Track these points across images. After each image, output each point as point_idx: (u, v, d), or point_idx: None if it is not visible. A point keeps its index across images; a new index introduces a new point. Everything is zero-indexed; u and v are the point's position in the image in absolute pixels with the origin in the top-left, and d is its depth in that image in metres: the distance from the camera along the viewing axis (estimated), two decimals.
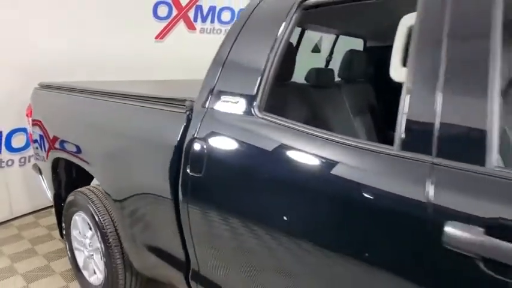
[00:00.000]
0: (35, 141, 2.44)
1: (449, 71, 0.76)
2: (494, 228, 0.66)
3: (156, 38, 4.07)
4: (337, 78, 2.12)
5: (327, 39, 2.95)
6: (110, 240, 1.82)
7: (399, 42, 0.88)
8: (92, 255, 2.04)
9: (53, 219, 2.57)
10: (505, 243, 0.64)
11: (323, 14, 1.40)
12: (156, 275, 1.69)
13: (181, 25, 4.24)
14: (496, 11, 0.73)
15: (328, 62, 2.40)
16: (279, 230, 1.02)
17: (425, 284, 0.74)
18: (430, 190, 0.73)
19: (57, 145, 2.11)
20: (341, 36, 2.58)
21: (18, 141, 3.17)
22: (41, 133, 2.29)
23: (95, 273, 2.06)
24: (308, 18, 1.61)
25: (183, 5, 4.21)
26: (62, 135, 2.08)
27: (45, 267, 2.46)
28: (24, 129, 3.08)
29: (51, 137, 2.19)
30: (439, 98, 0.76)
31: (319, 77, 1.78)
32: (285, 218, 0.99)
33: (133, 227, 1.64)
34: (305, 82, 1.86)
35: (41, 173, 2.53)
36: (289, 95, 1.59)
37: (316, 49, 2.39)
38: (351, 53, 1.97)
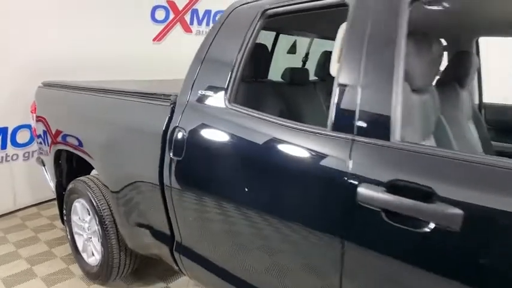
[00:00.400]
0: (39, 136, 2.65)
1: (365, 69, 0.97)
2: (393, 187, 0.86)
3: (154, 40, 4.30)
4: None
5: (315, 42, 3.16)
6: (107, 222, 2.03)
7: (337, 45, 1.08)
8: (90, 238, 2.24)
9: (54, 210, 2.76)
10: (401, 197, 0.85)
11: (288, 20, 1.61)
12: (146, 251, 1.89)
13: (178, 28, 4.47)
14: (402, 23, 0.94)
15: (304, 62, 2.61)
16: (245, 203, 1.23)
17: (347, 230, 0.94)
18: (351, 160, 0.94)
19: (59, 138, 2.32)
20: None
21: (22, 137, 3.38)
22: (44, 128, 2.50)
23: (93, 255, 2.26)
24: (280, 24, 1.82)
25: (180, 8, 4.44)
26: (63, 129, 2.29)
27: (47, 253, 2.66)
28: (28, 126, 3.29)
29: (53, 131, 2.40)
30: (358, 91, 0.97)
31: (294, 75, 1.99)
32: (246, 190, 1.19)
33: (126, 209, 1.84)
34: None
35: (43, 165, 2.73)
36: (264, 91, 1.80)
37: (292, 50, 2.59)
38: (325, 54, 2.18)
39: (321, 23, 1.78)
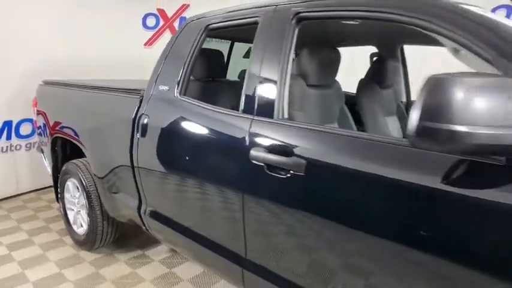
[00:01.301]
0: (39, 127, 3.08)
1: (262, 70, 1.39)
2: (271, 149, 1.27)
3: (145, 44, 4.75)
4: None
5: None
6: (92, 196, 2.45)
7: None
8: (79, 211, 2.66)
9: (52, 195, 3.16)
10: (275, 155, 1.25)
11: (231, 32, 2.02)
12: (122, 217, 2.29)
13: (167, 34, 4.89)
14: (289, 37, 1.35)
15: None
16: (186, 169, 1.64)
17: (244, 181, 1.36)
18: (249, 132, 1.35)
19: (55, 128, 2.75)
20: None
21: (25, 129, 3.82)
22: (44, 120, 2.93)
23: (81, 226, 2.68)
24: (231, 34, 2.24)
25: (169, 16, 4.88)
26: (59, 120, 2.71)
27: (45, 227, 3.08)
28: (30, 120, 3.73)
29: (51, 123, 2.83)
30: (257, 85, 1.39)
31: None
32: (187, 158, 1.61)
33: (107, 182, 2.26)
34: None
35: (42, 152, 3.16)
36: (220, 88, 2.22)
37: (247, 55, 2.97)
38: None
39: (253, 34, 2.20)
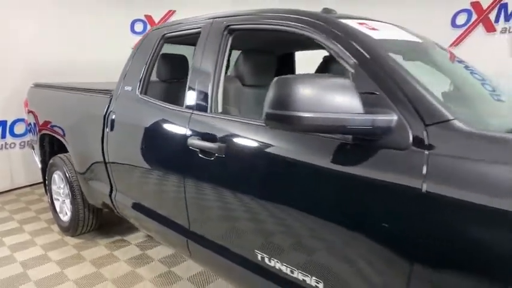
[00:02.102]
0: (29, 124, 3.39)
1: (199, 72, 1.67)
2: (203, 136, 1.55)
3: (133, 48, 5.04)
4: None
5: None
6: (74, 186, 2.73)
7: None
8: (64, 200, 2.95)
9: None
10: (205, 142, 1.53)
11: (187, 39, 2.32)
12: (98, 202, 2.57)
13: None
14: (223, 45, 1.64)
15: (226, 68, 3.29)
16: (144, 157, 1.93)
17: (185, 165, 1.64)
18: (189, 124, 1.63)
19: (43, 126, 3.04)
20: None
21: (19, 129, 4.12)
22: (34, 119, 3.22)
23: (66, 214, 2.97)
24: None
25: (156, 22, 5.18)
26: (46, 118, 3.01)
27: (35, 217, 3.38)
28: (23, 120, 4.02)
29: (40, 121, 3.12)
30: (196, 85, 1.67)
31: None
32: (144, 148, 1.90)
33: (85, 173, 2.55)
34: None
35: (33, 148, 3.46)
36: (183, 88, 2.50)
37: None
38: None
39: None
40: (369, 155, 1.08)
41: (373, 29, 1.37)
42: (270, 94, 1.01)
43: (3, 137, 4.04)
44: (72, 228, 2.89)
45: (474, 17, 4.18)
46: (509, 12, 3.86)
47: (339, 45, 1.23)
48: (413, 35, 1.57)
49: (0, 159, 4.03)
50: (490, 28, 4.04)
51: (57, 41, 4.18)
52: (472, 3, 4.22)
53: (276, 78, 1.02)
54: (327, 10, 1.51)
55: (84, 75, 4.12)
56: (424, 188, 0.95)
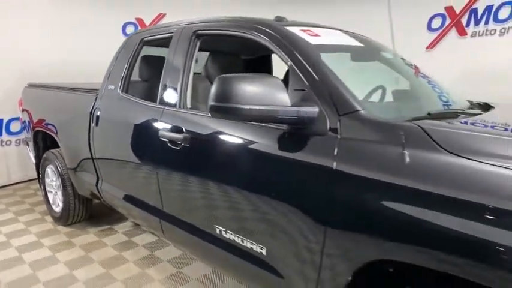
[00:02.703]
0: (24, 122, 3.61)
1: (170, 71, 1.90)
2: (172, 129, 1.78)
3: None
4: None
5: None
6: (65, 179, 2.96)
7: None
8: (56, 192, 3.18)
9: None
10: (173, 133, 1.76)
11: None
12: (86, 191, 2.79)
13: None
14: (191, 48, 1.87)
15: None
16: (125, 148, 2.15)
17: (157, 154, 1.86)
18: (161, 118, 1.86)
19: (37, 123, 3.27)
20: None
21: (15, 127, 4.34)
22: (28, 117, 3.45)
23: (58, 205, 3.19)
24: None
25: (147, 24, 5.41)
26: (39, 116, 3.24)
27: (29, 209, 3.60)
28: (18, 118, 4.24)
29: (34, 118, 3.35)
30: (168, 83, 1.90)
31: None
32: (124, 141, 2.13)
33: (74, 166, 2.77)
34: None
35: (28, 145, 3.68)
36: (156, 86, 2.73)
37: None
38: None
39: None
40: (299, 140, 1.31)
41: (316, 35, 1.60)
42: (213, 90, 1.24)
43: (0, 134, 4.27)
44: (63, 218, 3.12)
45: (448, 21, 4.42)
46: (478, 17, 4.10)
47: (280, 49, 1.46)
48: (356, 40, 1.80)
49: None
50: (462, 32, 4.28)
51: (51, 43, 4.41)
52: (446, 8, 4.45)
53: (218, 77, 1.25)
54: (278, 18, 1.74)
55: (77, 76, 4.32)
56: (334, 165, 1.18)
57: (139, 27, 5.35)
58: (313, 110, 1.27)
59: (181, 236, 1.88)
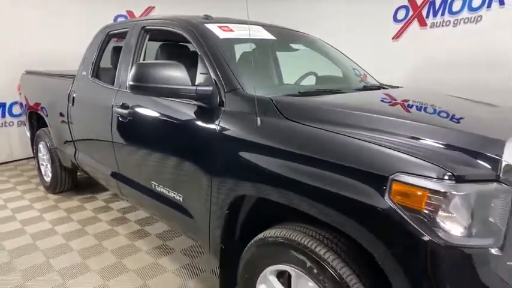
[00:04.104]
0: (21, 105, 4.11)
1: (124, 60, 2.33)
2: (121, 106, 2.21)
3: (116, 41, 5.71)
4: None
5: None
6: (53, 153, 3.45)
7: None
8: (47, 165, 3.68)
9: None
10: (123, 109, 2.19)
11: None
12: (68, 163, 3.27)
13: None
14: (141, 40, 2.29)
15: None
16: (93, 123, 2.61)
17: (112, 126, 2.31)
18: (115, 98, 2.29)
19: (32, 105, 3.75)
20: None
21: (16, 110, 4.85)
22: (25, 100, 3.94)
23: (48, 176, 3.70)
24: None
25: (137, 16, 5.83)
26: (34, 99, 3.72)
27: (27, 181, 4.13)
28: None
29: (30, 102, 3.83)
30: (122, 69, 2.33)
31: None
32: (91, 116, 2.58)
33: (59, 141, 3.25)
34: None
35: (25, 124, 4.19)
36: None
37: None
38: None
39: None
40: (201, 112, 1.73)
41: (230, 30, 2.00)
42: (131, 73, 1.66)
43: (3, 116, 4.80)
44: (52, 187, 3.62)
45: (411, 12, 4.71)
46: (436, 9, 4.39)
47: (193, 41, 1.88)
48: (269, 34, 2.20)
49: (1, 135, 4.79)
50: (422, 23, 4.57)
51: (48, 33, 4.87)
52: (409, 0, 4.74)
53: (136, 63, 1.67)
54: (206, 16, 2.14)
55: (71, 64, 4.79)
56: (217, 130, 1.60)
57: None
58: (207, 88, 1.69)
59: (131, 193, 2.33)
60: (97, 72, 2.74)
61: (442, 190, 1.02)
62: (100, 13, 5.41)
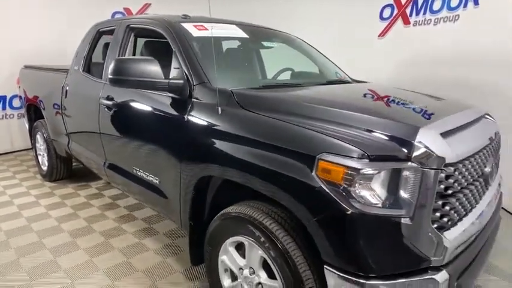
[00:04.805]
0: (20, 97, 4.33)
1: (110, 55, 2.53)
2: (107, 98, 2.41)
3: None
4: None
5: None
6: (49, 143, 3.67)
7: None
8: (44, 154, 3.90)
9: None
10: (109, 101, 2.39)
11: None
12: (63, 151, 3.49)
13: None
14: (126, 36, 2.49)
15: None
16: (82, 114, 2.81)
17: (99, 116, 2.51)
18: (102, 90, 2.49)
19: (30, 98, 3.96)
20: None
21: (16, 102, 5.08)
22: (23, 93, 4.16)
23: (45, 165, 3.92)
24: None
25: (134, 13, 6.02)
26: (32, 93, 3.93)
27: (25, 170, 4.35)
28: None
29: (28, 95, 4.05)
30: (108, 63, 2.53)
31: None
32: (81, 107, 2.79)
33: (54, 131, 3.47)
34: None
35: (24, 116, 4.41)
36: None
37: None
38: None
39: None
40: (175, 103, 1.93)
41: (205, 29, 2.19)
42: (111, 67, 1.86)
43: (4, 108, 5.02)
44: (48, 175, 3.84)
45: (396, 11, 4.86)
46: (419, 7, 4.54)
47: (169, 39, 2.07)
48: (243, 33, 2.38)
49: (2, 127, 5.03)
50: (406, 21, 4.72)
51: (48, 30, 5.08)
52: None
53: (115, 58, 1.86)
54: (184, 16, 2.33)
55: (70, 59, 5.00)
56: (186, 118, 1.80)
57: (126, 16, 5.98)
58: (179, 81, 1.89)
59: (117, 178, 2.53)
60: (88, 66, 2.94)
61: (357, 167, 1.21)
62: (98, 10, 5.62)
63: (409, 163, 1.25)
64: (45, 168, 3.92)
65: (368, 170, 1.21)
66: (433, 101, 1.94)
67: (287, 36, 2.80)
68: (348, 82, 2.47)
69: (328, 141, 1.30)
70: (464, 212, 1.44)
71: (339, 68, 2.91)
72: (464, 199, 1.41)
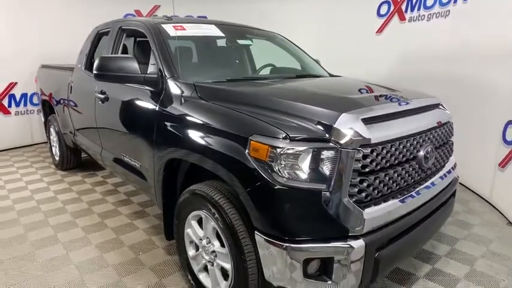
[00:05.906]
0: (37, 95, 4.75)
1: (105, 52, 2.82)
2: (100, 91, 2.70)
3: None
4: None
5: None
6: (60, 135, 4.04)
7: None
8: (56, 145, 4.28)
9: None
10: (102, 94, 2.68)
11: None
12: (70, 142, 3.84)
13: None
14: (118, 38, 2.77)
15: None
16: (82, 106, 3.13)
17: (95, 107, 2.80)
18: (97, 84, 2.79)
19: (45, 95, 4.36)
20: None
21: (35, 100, 5.52)
22: (40, 91, 4.56)
23: (57, 155, 4.30)
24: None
25: (144, 15, 6.36)
26: (48, 90, 4.32)
27: (42, 161, 4.77)
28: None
29: (45, 92, 4.45)
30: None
31: None
32: (82, 99, 3.10)
33: (63, 124, 3.82)
34: None
35: (40, 111, 4.83)
36: None
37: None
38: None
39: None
40: (151, 95, 2.18)
41: (183, 29, 2.43)
42: (95, 64, 2.13)
43: (25, 105, 5.49)
44: (60, 164, 4.23)
45: (392, 7, 4.94)
46: (413, 3, 4.60)
47: (149, 38, 2.33)
48: (219, 32, 2.61)
49: (23, 121, 5.50)
50: (402, 17, 4.79)
51: (62, 32, 5.48)
52: None
53: (99, 56, 2.14)
54: (167, 17, 2.58)
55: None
56: (157, 108, 2.05)
57: None
58: (153, 76, 2.14)
59: (110, 163, 2.83)
60: (90, 64, 3.26)
61: (278, 145, 1.41)
62: (111, 12, 5.97)
63: (329, 144, 1.44)
64: (57, 158, 4.31)
65: (288, 148, 1.41)
66: (384, 91, 2.09)
67: (271, 35, 3.00)
68: (320, 76, 2.65)
69: (259, 125, 1.51)
70: (388, 191, 1.60)
71: (319, 64, 3.09)
72: (386, 179, 1.58)
